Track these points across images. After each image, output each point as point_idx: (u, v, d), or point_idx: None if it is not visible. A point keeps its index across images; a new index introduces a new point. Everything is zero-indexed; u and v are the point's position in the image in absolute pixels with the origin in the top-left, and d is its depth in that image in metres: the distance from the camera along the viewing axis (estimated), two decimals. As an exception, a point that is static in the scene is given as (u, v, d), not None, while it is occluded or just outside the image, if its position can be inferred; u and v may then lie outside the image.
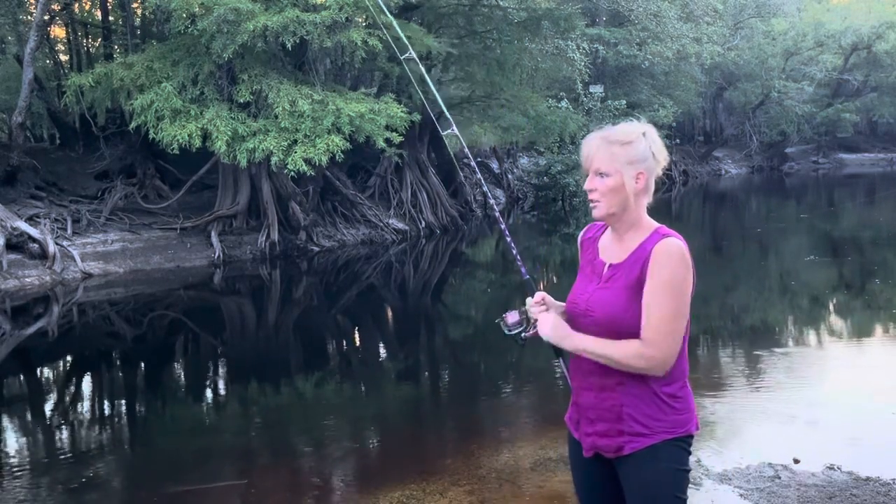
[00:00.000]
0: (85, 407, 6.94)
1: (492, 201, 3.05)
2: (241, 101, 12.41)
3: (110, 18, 17.75)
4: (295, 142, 12.07)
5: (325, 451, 5.49)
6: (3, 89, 17.93)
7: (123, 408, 6.81)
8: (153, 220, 14.06)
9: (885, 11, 34.12)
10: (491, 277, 12.81)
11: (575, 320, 2.33)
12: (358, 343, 9.23)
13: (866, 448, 4.86)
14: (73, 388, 7.56)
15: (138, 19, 16.68)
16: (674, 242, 2.18)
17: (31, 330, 9.41)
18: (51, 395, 7.38)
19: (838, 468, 4.48)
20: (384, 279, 12.95)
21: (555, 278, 12.66)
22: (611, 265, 2.28)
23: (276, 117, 12.16)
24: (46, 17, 14.35)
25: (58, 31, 18.87)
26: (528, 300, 2.44)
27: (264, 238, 14.03)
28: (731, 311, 9.59)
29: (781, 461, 4.59)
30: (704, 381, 6.42)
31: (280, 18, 11.51)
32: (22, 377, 8.01)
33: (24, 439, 6.05)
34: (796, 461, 4.60)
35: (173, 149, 12.05)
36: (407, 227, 16.83)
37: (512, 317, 2.46)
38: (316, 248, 14.59)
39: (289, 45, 12.03)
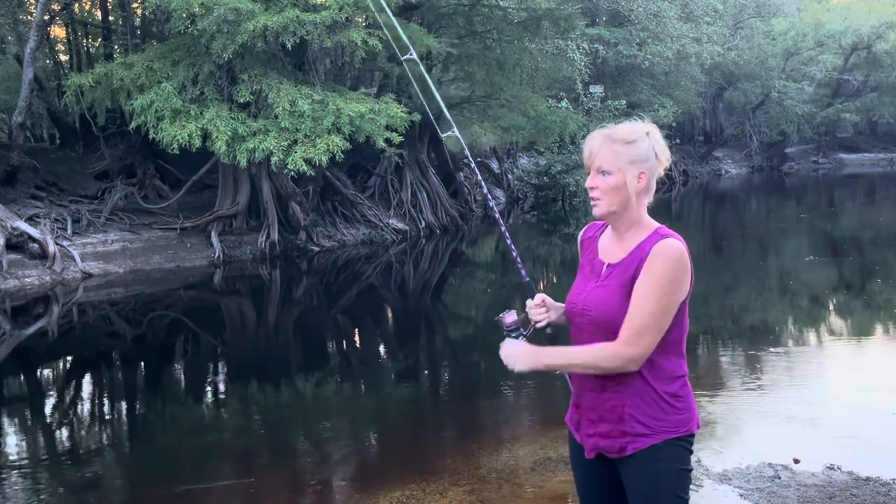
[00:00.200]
0: (85, 407, 6.94)
1: (491, 203, 3.00)
2: (241, 101, 12.41)
3: (110, 18, 17.74)
4: (295, 142, 12.07)
5: (325, 451, 5.49)
6: (3, 89, 17.92)
7: (123, 408, 6.81)
8: (153, 220, 14.06)
9: (885, 11, 34.12)
10: (491, 277, 12.81)
11: (573, 319, 2.34)
12: (358, 343, 9.23)
13: (866, 448, 4.86)
14: (73, 388, 7.56)
15: (138, 19, 16.67)
16: (673, 243, 2.17)
17: (31, 330, 9.41)
18: (51, 395, 7.38)
19: (838, 468, 4.48)
20: (384, 279, 12.95)
21: (555, 278, 12.67)
22: (609, 264, 2.28)
23: (276, 117, 12.16)
24: (46, 17, 14.34)
25: (58, 31, 18.86)
26: (529, 302, 2.44)
27: (264, 238, 14.03)
28: (730, 311, 9.59)
29: (781, 461, 4.59)
30: (704, 381, 6.42)
31: (280, 18, 11.51)
32: (22, 377, 8.01)
33: (24, 439, 6.05)
34: (796, 461, 4.60)
35: (173, 149, 12.05)
36: (407, 227, 16.83)
37: (509, 317, 2.46)
38: (316, 248, 14.59)
39: (289, 45, 12.03)
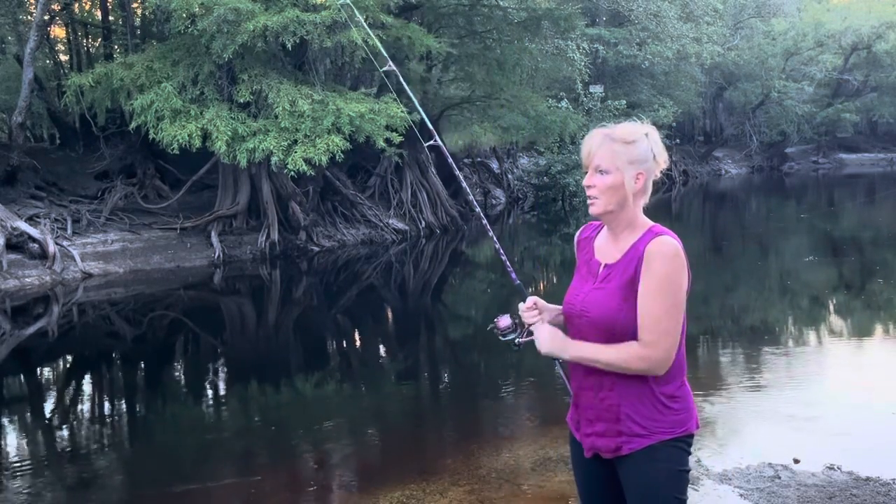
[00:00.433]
0: (85, 407, 6.94)
1: (478, 210, 2.91)
2: (241, 101, 12.41)
3: (110, 18, 17.74)
4: (295, 142, 12.07)
5: (325, 451, 5.49)
6: (3, 89, 17.92)
7: (123, 408, 6.81)
8: (153, 220, 14.06)
9: (885, 11, 34.11)
10: (491, 277, 12.79)
11: (571, 321, 2.34)
12: (358, 343, 9.23)
13: (866, 448, 4.86)
14: (73, 389, 7.56)
15: (138, 19, 16.67)
16: (667, 241, 2.17)
17: (31, 330, 9.41)
18: (51, 395, 7.38)
19: (838, 468, 4.48)
20: (384, 279, 12.95)
21: (555, 278, 12.67)
22: (606, 265, 2.28)
23: (276, 117, 12.16)
24: (46, 17, 14.35)
25: (58, 31, 18.87)
26: (521, 305, 2.44)
27: (264, 238, 14.03)
28: (730, 311, 9.59)
29: (781, 461, 4.59)
30: (704, 381, 6.42)
31: (280, 18, 11.51)
32: (22, 377, 8.01)
33: (24, 439, 6.05)
34: (796, 461, 4.60)
35: (173, 149, 12.05)
36: (407, 227, 16.83)
37: (503, 321, 2.46)
38: (316, 248, 14.59)
39: (289, 45, 12.03)
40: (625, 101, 22.16)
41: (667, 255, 2.15)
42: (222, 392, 7.28)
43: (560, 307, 2.41)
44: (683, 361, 2.26)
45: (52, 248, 11.69)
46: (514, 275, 2.60)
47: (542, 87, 21.83)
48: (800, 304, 10.02)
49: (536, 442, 5.19)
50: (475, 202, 2.92)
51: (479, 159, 24.16)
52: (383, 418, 6.15)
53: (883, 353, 7.57)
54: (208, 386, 7.51)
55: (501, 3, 16.59)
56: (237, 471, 5.22)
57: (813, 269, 12.08)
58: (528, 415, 6.19)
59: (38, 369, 8.30)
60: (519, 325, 2.45)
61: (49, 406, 6.90)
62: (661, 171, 2.28)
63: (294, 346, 8.99)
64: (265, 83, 12.45)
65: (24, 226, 11.85)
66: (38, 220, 12.54)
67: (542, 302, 2.45)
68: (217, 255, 13.43)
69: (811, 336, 8.38)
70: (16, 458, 5.46)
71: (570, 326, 2.35)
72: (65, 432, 6.16)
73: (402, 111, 12.74)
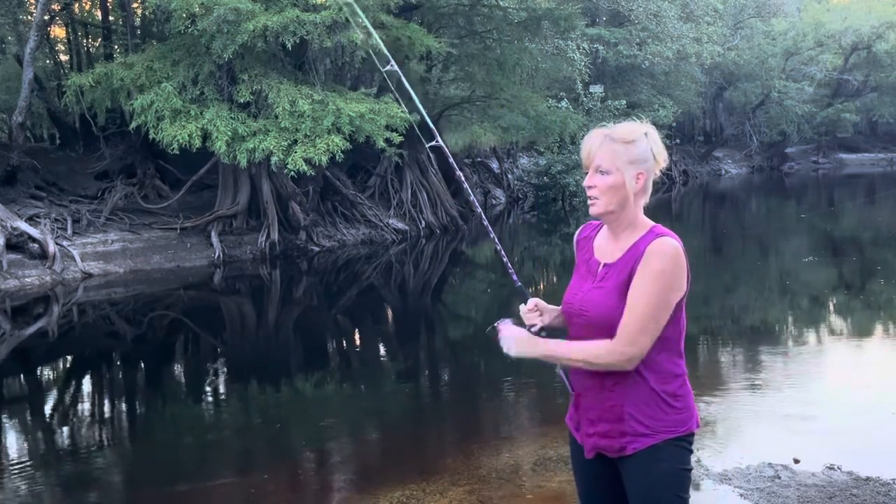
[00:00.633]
0: (85, 407, 6.94)
1: (479, 210, 2.90)
2: (241, 101, 12.41)
3: (110, 18, 17.74)
4: (295, 142, 12.07)
5: (325, 451, 5.49)
6: (3, 89, 17.92)
7: (123, 408, 6.81)
8: (153, 220, 14.06)
9: (885, 11, 34.11)
10: (491, 277, 12.79)
11: (570, 320, 2.34)
12: (358, 343, 9.23)
13: (866, 448, 4.85)
14: (73, 389, 7.56)
15: (138, 19, 16.67)
16: (668, 242, 2.17)
17: (31, 330, 9.41)
18: (51, 395, 7.38)
19: (838, 468, 4.48)
20: (384, 279, 12.95)
21: (555, 278, 12.67)
22: (605, 265, 2.28)
23: (277, 117, 12.17)
24: (46, 17, 14.35)
25: (58, 31, 18.86)
26: (522, 307, 2.45)
27: (264, 238, 14.03)
28: (730, 311, 9.59)
29: (781, 461, 4.59)
30: (704, 381, 6.42)
31: (280, 18, 11.51)
32: (22, 377, 8.00)
33: (24, 439, 6.05)
34: (796, 461, 4.60)
35: (173, 149, 12.05)
36: (407, 227, 16.83)
37: (503, 326, 2.46)
38: (316, 248, 14.59)
39: (289, 45, 12.03)
40: (625, 101, 22.17)
41: (666, 255, 2.15)
42: (222, 392, 7.29)
43: (560, 308, 2.41)
44: (683, 360, 2.26)
45: (52, 248, 11.69)
46: (515, 276, 2.59)
47: (542, 87, 21.84)
48: (800, 304, 10.02)
49: (536, 442, 5.19)
50: (476, 203, 2.90)
51: (479, 159, 24.16)
52: (383, 418, 6.15)
53: (883, 353, 7.57)
54: (208, 386, 7.51)
55: (501, 3, 16.59)
56: (237, 471, 5.22)
57: (813, 270, 12.08)
58: (528, 415, 6.19)
59: (38, 369, 8.30)
60: (520, 328, 2.44)
61: (49, 406, 6.90)
62: (661, 171, 2.28)
63: (294, 346, 8.99)
64: (265, 83, 12.45)
65: (24, 226, 11.85)
66: (38, 220, 12.54)
67: (542, 303, 2.45)
68: (217, 255, 13.43)
69: (811, 336, 8.38)
70: (16, 458, 5.46)
71: (570, 326, 2.35)
72: (65, 432, 6.16)
73: (402, 111, 12.75)
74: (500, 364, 7.45)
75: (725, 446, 4.98)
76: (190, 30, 11.84)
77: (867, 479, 4.34)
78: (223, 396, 7.10)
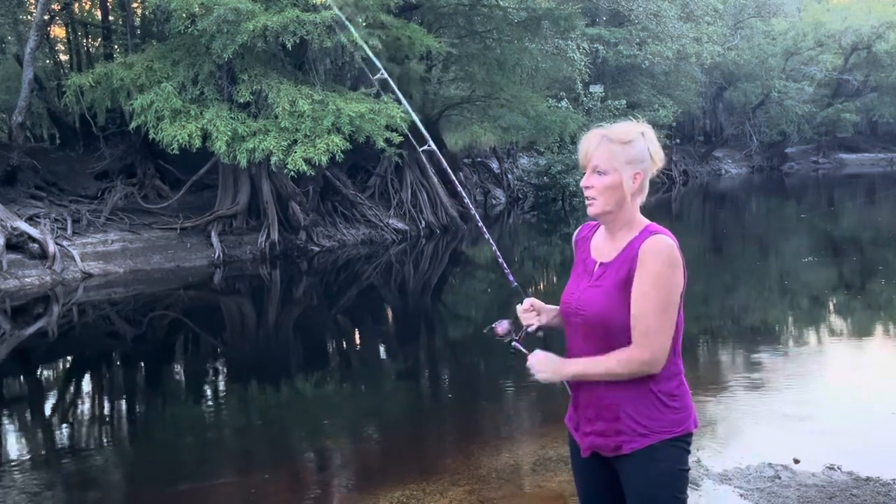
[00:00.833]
0: (85, 407, 6.94)
1: (473, 212, 2.95)
2: (241, 101, 12.41)
3: (110, 18, 17.74)
4: (295, 142, 12.07)
5: (325, 451, 5.49)
6: (3, 89, 17.92)
7: (123, 407, 6.81)
8: (153, 220, 14.06)
9: (885, 11, 34.11)
10: (490, 278, 12.79)
11: (567, 319, 2.34)
12: (358, 343, 9.23)
13: (866, 448, 4.86)
14: (73, 389, 7.56)
15: (138, 19, 16.68)
16: (662, 239, 2.18)
17: (31, 330, 9.41)
18: (51, 395, 7.38)
19: (838, 468, 4.48)
20: (384, 279, 12.95)
21: (555, 278, 12.67)
22: (602, 263, 2.29)
23: (276, 117, 12.16)
24: (46, 17, 14.35)
25: (58, 31, 18.87)
26: (518, 307, 2.45)
27: (264, 238, 14.03)
28: (730, 311, 9.58)
29: (781, 461, 4.59)
30: (704, 381, 6.42)
31: (280, 18, 11.51)
32: (22, 377, 8.00)
33: (24, 439, 6.05)
34: (796, 461, 4.60)
35: (173, 149, 12.05)
36: (407, 227, 16.83)
37: (501, 327, 2.46)
38: (316, 248, 14.59)
39: (289, 45, 12.03)
40: (625, 101, 22.17)
41: (661, 254, 2.16)
42: (222, 392, 7.29)
43: (558, 307, 2.42)
44: (680, 360, 2.27)
45: (52, 248, 11.69)
46: (511, 277, 2.60)
47: (542, 87, 21.85)
48: (799, 304, 10.02)
49: (536, 442, 5.19)
50: (471, 206, 2.95)
51: (479, 159, 24.17)
52: (383, 418, 6.15)
53: (883, 353, 7.57)
54: (208, 386, 7.51)
55: (501, 3, 16.60)
56: (237, 471, 5.22)
57: (813, 270, 12.08)
58: (528, 415, 6.19)
59: (38, 369, 8.30)
60: (515, 328, 2.45)
61: (49, 406, 6.90)
62: (658, 171, 2.29)
63: (294, 346, 8.99)
64: (265, 83, 12.45)
65: (24, 226, 11.85)
66: (38, 220, 12.54)
67: (539, 303, 2.45)
68: (217, 255, 13.43)
69: (811, 336, 8.38)
70: (16, 458, 5.46)
71: (567, 325, 2.35)
72: (65, 432, 6.15)
73: (401, 111, 12.75)
74: (500, 364, 7.46)
75: (725, 446, 4.98)
76: (190, 30, 11.84)
77: (867, 479, 4.34)
78: (223, 396, 7.10)
